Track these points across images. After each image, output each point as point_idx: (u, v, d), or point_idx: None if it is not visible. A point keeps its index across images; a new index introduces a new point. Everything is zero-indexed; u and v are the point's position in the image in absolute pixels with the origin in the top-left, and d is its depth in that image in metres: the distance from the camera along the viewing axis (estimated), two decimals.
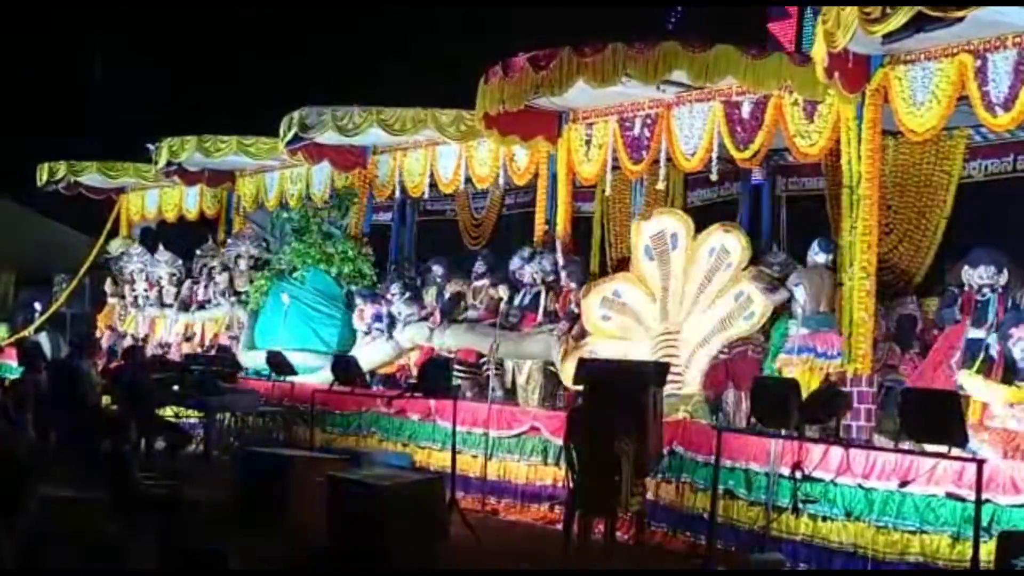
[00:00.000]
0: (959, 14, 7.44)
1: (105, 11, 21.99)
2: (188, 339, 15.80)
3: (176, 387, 12.16)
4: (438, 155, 13.38)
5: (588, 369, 8.73)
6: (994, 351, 7.94)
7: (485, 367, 11.14)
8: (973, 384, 7.92)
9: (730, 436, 8.17)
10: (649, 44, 9.46)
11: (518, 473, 10.02)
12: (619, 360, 9.60)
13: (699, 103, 10.36)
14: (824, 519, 7.68)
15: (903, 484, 7.15)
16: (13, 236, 20.58)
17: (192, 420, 12.77)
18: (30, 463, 6.06)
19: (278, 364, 12.29)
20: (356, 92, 13.63)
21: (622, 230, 13.36)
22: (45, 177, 18.41)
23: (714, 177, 10.55)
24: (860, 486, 7.48)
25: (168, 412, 12.42)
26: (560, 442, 8.92)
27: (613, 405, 8.05)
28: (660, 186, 11.15)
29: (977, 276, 8.60)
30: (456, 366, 11.23)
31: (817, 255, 9.19)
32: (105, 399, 12.09)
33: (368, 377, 11.73)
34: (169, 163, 15.83)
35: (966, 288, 8.71)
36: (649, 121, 10.78)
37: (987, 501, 6.72)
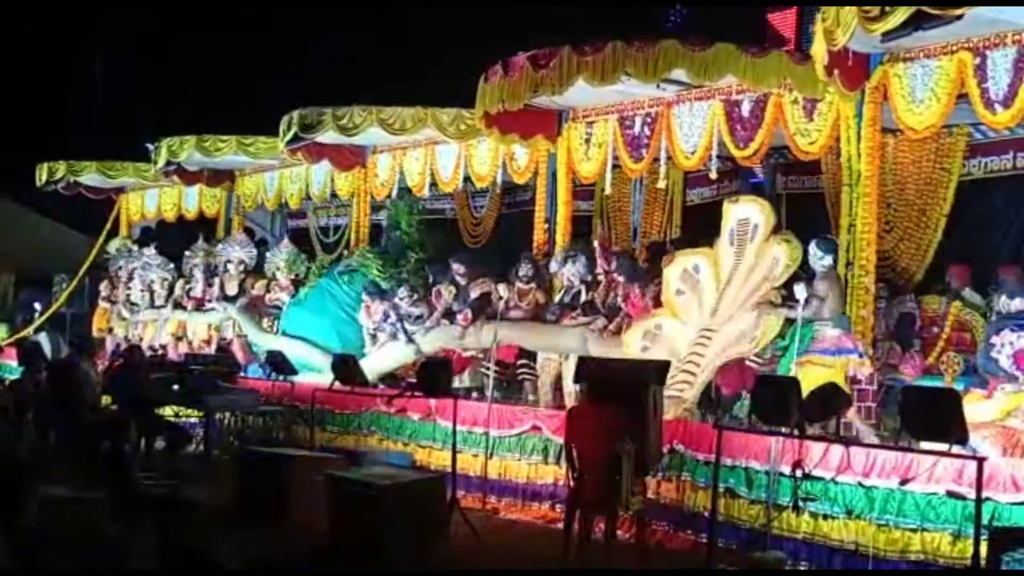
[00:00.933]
0: (958, 12, 7.45)
1: (105, 11, 21.99)
2: (179, 339, 15.77)
3: (176, 387, 12.15)
4: (438, 154, 13.38)
5: (589, 368, 8.72)
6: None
7: (520, 369, 11.05)
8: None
9: (731, 434, 8.16)
10: (649, 43, 9.45)
11: (519, 472, 10.02)
12: (619, 359, 9.58)
13: (699, 101, 10.36)
14: (825, 517, 7.68)
15: (903, 482, 7.15)
16: (13, 236, 20.60)
17: (192, 420, 12.76)
18: (30, 464, 6.06)
19: (278, 364, 12.28)
20: (356, 91, 13.63)
21: (622, 229, 13.38)
22: (44, 177, 18.42)
23: (714, 175, 10.55)
24: (860, 484, 7.47)
25: (168, 412, 12.42)
26: (561, 441, 8.91)
27: (613, 403, 8.03)
28: (660, 184, 11.15)
29: (1015, 306, 8.07)
30: (486, 364, 11.09)
31: (823, 258, 8.83)
32: (105, 399, 12.09)
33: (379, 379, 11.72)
34: (168, 163, 15.83)
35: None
36: (649, 120, 10.77)
37: (987, 499, 6.71)
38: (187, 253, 16.47)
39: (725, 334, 9.28)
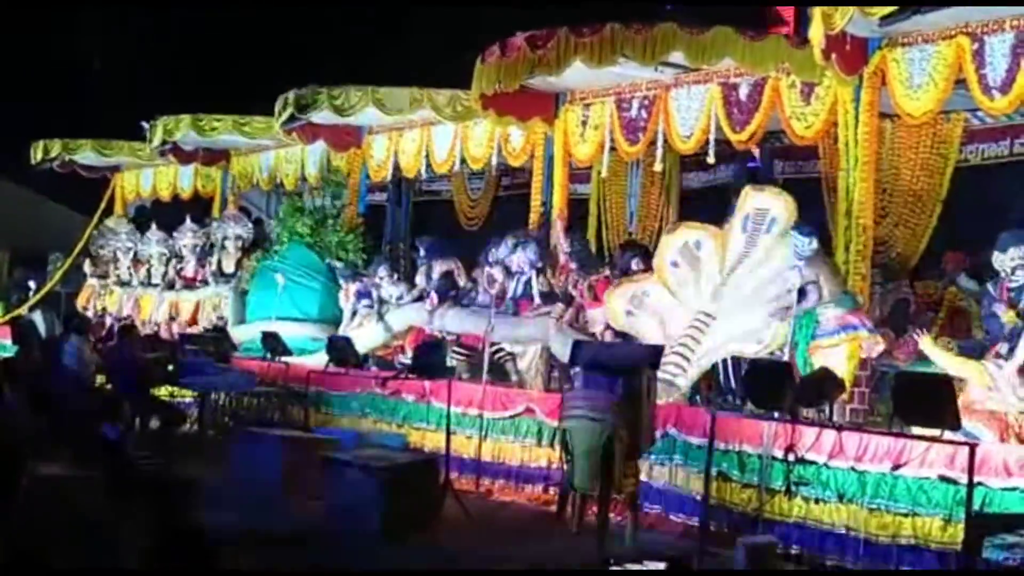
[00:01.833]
0: None
1: None
2: (173, 319, 15.80)
3: (170, 366, 12.17)
4: (433, 135, 13.38)
5: (583, 351, 8.75)
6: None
7: (497, 353, 11.11)
8: (934, 353, 8.05)
9: (724, 419, 8.20)
10: (647, 25, 9.45)
11: (512, 454, 10.05)
12: (613, 343, 9.61)
13: (696, 85, 10.35)
14: (817, 501, 7.72)
15: (896, 467, 7.19)
16: (7, 215, 20.59)
17: (186, 400, 12.79)
18: (24, 444, 6.09)
19: (272, 344, 12.30)
20: (352, 71, 13.64)
21: (618, 212, 13.39)
22: (39, 155, 18.41)
23: (711, 159, 10.55)
24: (853, 469, 7.51)
25: (162, 391, 12.44)
26: (554, 424, 8.94)
27: (607, 387, 8.06)
28: (657, 168, 11.16)
29: (1009, 259, 8.15)
30: (456, 348, 11.21)
31: (811, 243, 8.78)
32: (99, 378, 12.11)
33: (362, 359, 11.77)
34: (163, 142, 15.84)
35: (1001, 276, 8.31)
36: (646, 102, 10.78)
37: (979, 484, 6.75)
38: (175, 233, 16.49)
39: (730, 327, 9.18)
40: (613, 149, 11.28)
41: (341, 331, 12.56)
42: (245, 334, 14.16)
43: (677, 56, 9.57)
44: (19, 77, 21.02)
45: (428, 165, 13.55)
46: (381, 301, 12.50)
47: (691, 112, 10.39)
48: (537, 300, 10.94)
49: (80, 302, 17.63)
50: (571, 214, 11.97)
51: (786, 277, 8.68)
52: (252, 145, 16.07)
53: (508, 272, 11.21)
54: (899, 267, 10.09)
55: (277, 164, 15.88)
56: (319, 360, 11.79)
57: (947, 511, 7.03)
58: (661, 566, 5.81)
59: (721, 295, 9.32)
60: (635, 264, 10.32)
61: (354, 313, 12.85)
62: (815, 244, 8.71)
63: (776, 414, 7.57)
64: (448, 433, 9.47)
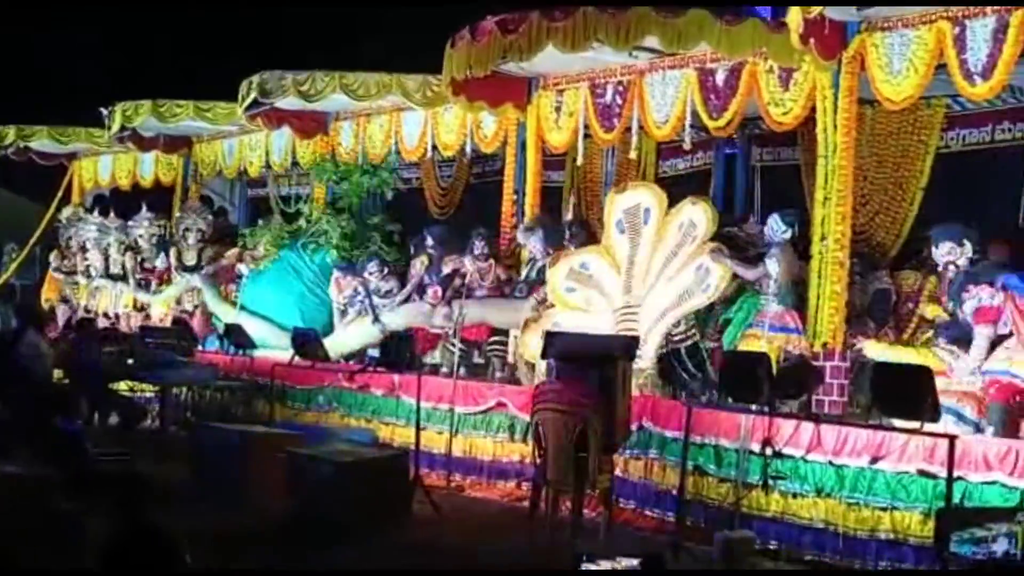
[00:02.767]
0: None
1: None
2: (139, 310, 15.72)
3: (130, 360, 12.13)
4: (403, 121, 13.35)
5: (556, 343, 8.79)
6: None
7: (492, 346, 11.11)
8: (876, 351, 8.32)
9: (700, 412, 8.25)
10: (620, 9, 9.46)
11: (484, 449, 10.09)
12: (587, 334, 9.66)
13: (672, 70, 10.36)
14: (795, 496, 7.80)
15: (874, 460, 7.27)
16: None
17: (147, 394, 12.76)
18: None
19: (237, 337, 12.27)
20: (319, 55, 13.57)
21: (593, 200, 13.40)
22: None
23: (687, 146, 10.59)
24: (831, 463, 7.59)
25: (122, 386, 12.40)
26: (527, 418, 8.98)
27: (581, 380, 8.10)
28: (632, 155, 11.17)
29: (941, 255, 8.71)
30: (452, 342, 11.14)
31: (785, 232, 9.13)
32: (57, 373, 12.05)
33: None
34: (123, 128, 15.72)
35: (939, 269, 8.80)
36: (621, 88, 10.79)
37: (959, 478, 6.84)
38: (130, 223, 16.40)
39: (656, 302, 9.68)
40: (588, 136, 11.30)
41: (335, 327, 12.47)
42: (249, 327, 13.35)
43: (652, 41, 9.57)
44: None
45: (397, 152, 13.52)
46: (370, 298, 12.36)
47: (667, 98, 10.40)
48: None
49: (46, 294, 17.51)
50: (545, 202, 11.99)
51: (699, 234, 9.47)
52: (215, 132, 15.98)
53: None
54: (878, 257, 10.16)
55: (241, 151, 15.81)
56: (285, 355, 11.76)
57: (927, 505, 7.11)
58: (635, 563, 5.85)
59: (632, 286, 9.92)
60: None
61: (344, 308, 12.78)
62: (788, 235, 8.99)
63: (753, 407, 7.63)
64: (418, 428, 9.49)
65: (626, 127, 10.74)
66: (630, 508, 8.81)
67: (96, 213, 17.41)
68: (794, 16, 8.45)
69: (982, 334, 7.89)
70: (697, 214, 9.66)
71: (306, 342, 11.08)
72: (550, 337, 8.91)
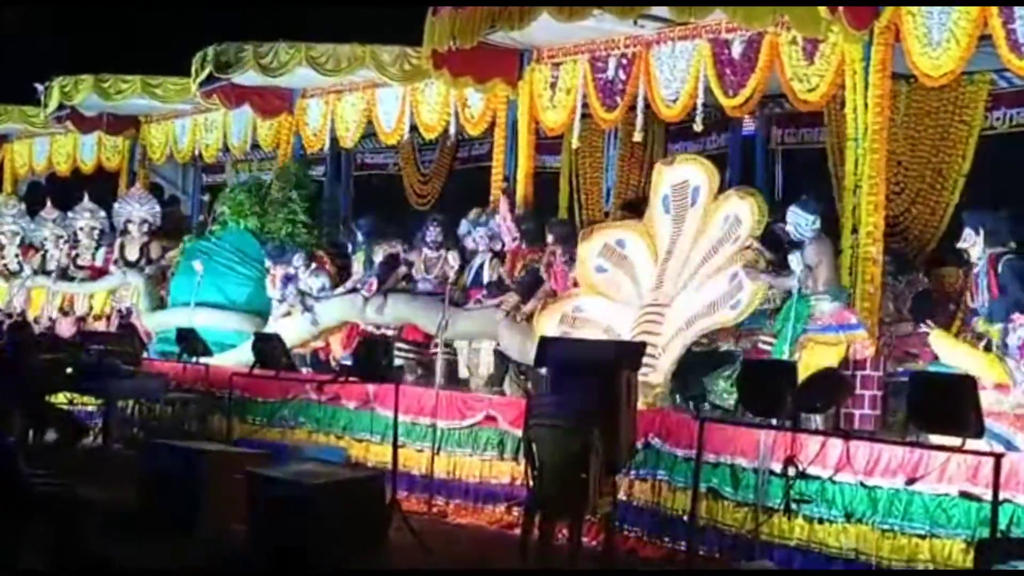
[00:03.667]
0: None
1: None
2: (65, 313, 15.69)
3: (70, 370, 12.10)
4: (378, 99, 13.36)
5: (552, 349, 8.78)
6: None
7: (434, 348, 11.15)
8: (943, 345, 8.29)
9: (714, 427, 8.25)
10: None
11: (470, 470, 10.08)
12: (587, 340, 9.65)
13: (682, 41, 10.38)
14: (821, 521, 7.79)
15: (911, 482, 7.25)
16: None
17: (89, 408, 12.72)
18: None
19: (190, 343, 12.24)
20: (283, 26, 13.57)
21: (593, 188, 13.43)
22: None
23: (699, 127, 10.60)
24: (862, 484, 7.58)
25: (60, 398, 12.38)
26: (519, 434, 8.97)
27: (580, 391, 8.10)
28: (637, 137, 11.20)
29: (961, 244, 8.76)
30: (399, 344, 11.24)
31: (815, 222, 9.05)
32: None
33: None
34: (61, 106, 15.72)
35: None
36: (624, 62, 10.80)
37: (1006, 501, 6.83)
38: (70, 214, 16.39)
39: (685, 306, 9.58)
40: (587, 116, 11.31)
41: (269, 324, 12.54)
42: (159, 322, 14.13)
43: (659, 8, 9.59)
44: None
45: (372, 134, 13.52)
46: (302, 294, 12.48)
47: (676, 73, 10.42)
48: (484, 292, 11.03)
49: None
50: (539, 191, 11.99)
51: (741, 234, 9.28)
52: (165, 111, 16.00)
53: (463, 253, 11.29)
54: (913, 256, 10.18)
55: (195, 133, 15.81)
56: (244, 357, 11.74)
57: (969, 532, 7.11)
58: None
59: (665, 280, 9.81)
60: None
61: (280, 301, 12.84)
62: (818, 224, 8.92)
63: (774, 421, 7.63)
64: (395, 445, 9.48)
65: (630, 106, 10.77)
66: (635, 536, 8.81)
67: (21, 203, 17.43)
68: None
69: None
70: (744, 211, 9.48)
71: (268, 347, 11.05)
72: (545, 344, 8.90)
